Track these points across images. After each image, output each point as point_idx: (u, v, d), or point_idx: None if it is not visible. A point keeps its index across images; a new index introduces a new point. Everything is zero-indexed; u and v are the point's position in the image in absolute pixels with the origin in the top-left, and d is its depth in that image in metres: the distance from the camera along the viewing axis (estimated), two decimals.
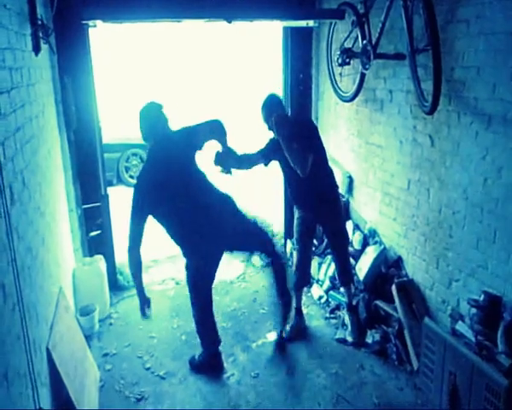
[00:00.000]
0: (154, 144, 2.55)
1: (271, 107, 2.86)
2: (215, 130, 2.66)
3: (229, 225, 2.62)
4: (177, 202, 2.51)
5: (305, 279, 3.24)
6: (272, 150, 2.93)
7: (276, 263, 2.94)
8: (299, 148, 2.73)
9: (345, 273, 3.14)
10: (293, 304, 3.20)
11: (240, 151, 2.89)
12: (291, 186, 3.09)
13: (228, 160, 2.75)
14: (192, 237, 2.60)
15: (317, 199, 2.96)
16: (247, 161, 2.95)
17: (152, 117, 2.54)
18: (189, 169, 2.58)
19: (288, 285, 2.98)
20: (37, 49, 2.49)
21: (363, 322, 3.08)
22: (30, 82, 2.36)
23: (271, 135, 2.93)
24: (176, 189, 2.48)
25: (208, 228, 2.57)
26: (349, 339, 3.03)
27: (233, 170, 2.82)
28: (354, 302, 3.18)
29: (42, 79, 2.76)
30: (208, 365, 2.82)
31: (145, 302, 2.67)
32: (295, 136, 2.75)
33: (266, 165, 3.03)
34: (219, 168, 2.78)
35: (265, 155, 2.98)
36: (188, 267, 2.71)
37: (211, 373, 2.80)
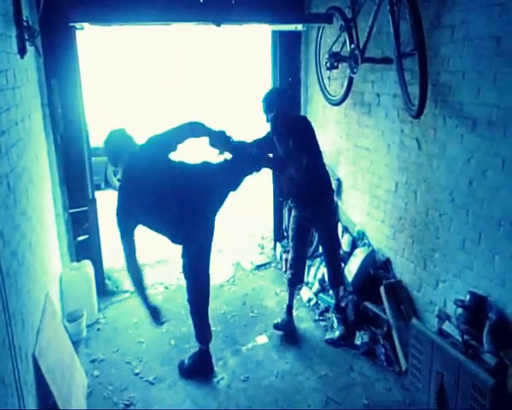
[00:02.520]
0: (127, 163, 2.51)
1: (272, 101, 2.84)
2: (188, 130, 2.62)
3: (214, 184, 2.62)
4: (161, 203, 2.51)
5: (298, 277, 3.26)
6: (268, 144, 2.92)
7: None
8: (295, 148, 2.73)
9: (335, 276, 3.17)
10: (286, 301, 3.25)
11: (236, 137, 2.82)
12: (286, 183, 3.07)
13: (220, 142, 2.72)
14: (183, 223, 2.60)
15: (310, 199, 2.98)
16: (240, 148, 2.87)
17: (119, 143, 2.52)
18: (165, 170, 2.55)
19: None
20: (22, 52, 2.45)
21: (351, 323, 3.10)
22: (15, 85, 2.33)
23: (268, 129, 2.92)
24: (157, 192, 2.47)
25: (195, 206, 2.57)
26: (336, 333, 3.05)
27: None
28: (343, 304, 3.20)
29: (28, 81, 2.72)
30: (198, 365, 2.81)
31: (155, 313, 2.63)
32: (292, 135, 2.75)
33: None
34: (216, 150, 2.77)
35: (260, 147, 2.96)
36: (184, 254, 2.71)
37: (200, 377, 2.78)
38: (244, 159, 2.75)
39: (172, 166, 2.59)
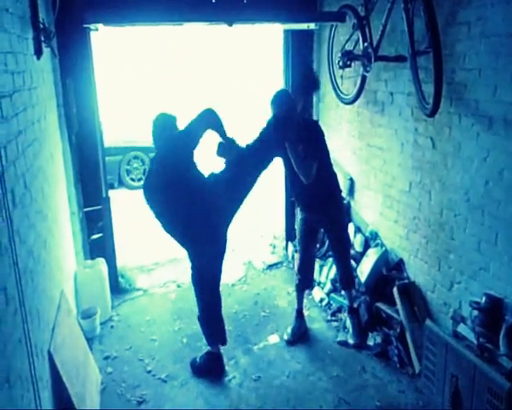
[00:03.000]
0: (158, 150, 2.61)
1: (281, 103, 2.81)
2: (207, 121, 2.62)
3: (225, 194, 2.65)
4: (177, 205, 2.55)
5: (307, 281, 3.24)
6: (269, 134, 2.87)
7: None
8: (305, 153, 2.72)
9: (346, 278, 3.14)
10: (296, 306, 3.22)
11: (242, 143, 2.80)
12: (293, 187, 3.08)
13: (230, 151, 2.68)
14: (193, 236, 2.64)
15: (319, 202, 2.96)
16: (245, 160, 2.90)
17: (161, 127, 2.59)
18: (187, 171, 2.57)
19: None
20: (39, 53, 2.50)
21: (364, 324, 3.08)
22: (32, 86, 2.37)
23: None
24: (175, 192, 2.51)
25: (208, 221, 2.60)
26: (350, 341, 3.03)
27: None
28: (355, 305, 3.18)
29: (44, 82, 2.77)
30: (208, 366, 2.83)
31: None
32: (301, 139, 2.74)
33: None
34: (223, 160, 2.73)
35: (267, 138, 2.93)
36: (192, 266, 2.74)
37: (212, 376, 2.80)
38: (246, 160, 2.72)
39: (193, 172, 2.60)
